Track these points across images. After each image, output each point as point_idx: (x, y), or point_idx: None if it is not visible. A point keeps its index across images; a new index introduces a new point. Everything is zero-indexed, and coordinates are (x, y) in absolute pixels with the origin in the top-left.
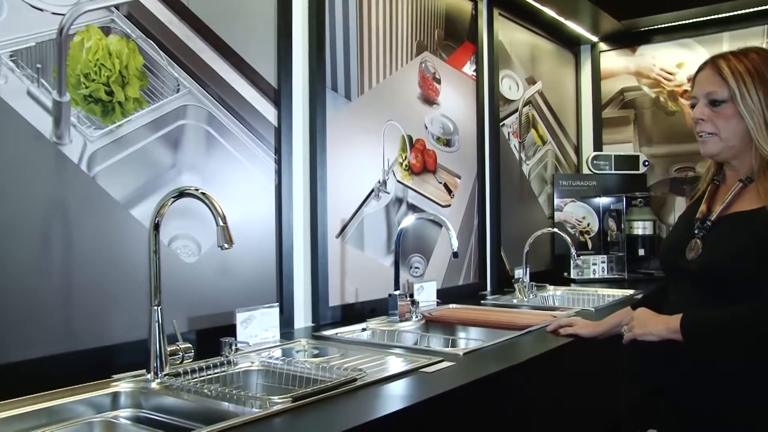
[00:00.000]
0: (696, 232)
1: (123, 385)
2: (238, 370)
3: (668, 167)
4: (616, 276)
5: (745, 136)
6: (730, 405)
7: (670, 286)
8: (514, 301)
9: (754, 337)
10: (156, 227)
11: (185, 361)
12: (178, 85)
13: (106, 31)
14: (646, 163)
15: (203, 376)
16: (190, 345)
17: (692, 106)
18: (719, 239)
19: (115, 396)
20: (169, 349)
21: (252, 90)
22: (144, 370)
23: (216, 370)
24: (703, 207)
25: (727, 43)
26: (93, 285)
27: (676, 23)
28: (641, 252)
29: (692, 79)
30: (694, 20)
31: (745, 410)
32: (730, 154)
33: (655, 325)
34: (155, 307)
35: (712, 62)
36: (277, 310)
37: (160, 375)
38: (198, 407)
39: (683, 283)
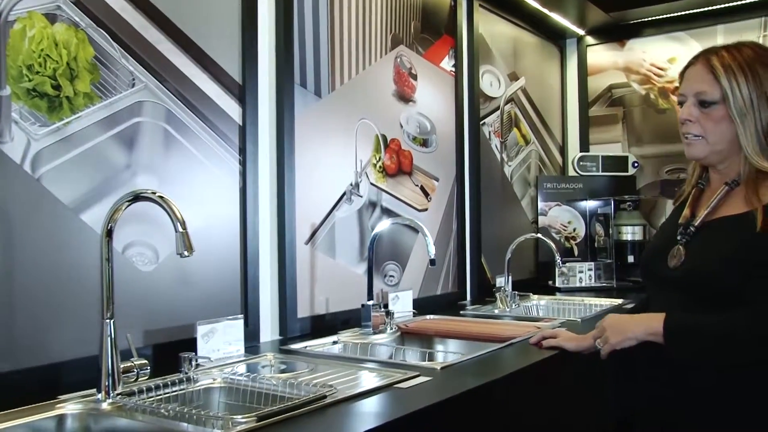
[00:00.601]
0: (679, 238)
1: (70, 406)
2: (198, 388)
3: (659, 168)
4: (604, 284)
5: (734, 141)
6: (704, 422)
7: (651, 296)
8: (496, 311)
9: (737, 344)
10: (109, 233)
11: (140, 379)
12: (133, 79)
13: (51, 18)
14: (636, 165)
15: (160, 395)
16: (146, 361)
17: (680, 104)
18: (704, 245)
19: (61, 419)
20: (122, 365)
21: (214, 85)
22: (94, 390)
23: (174, 388)
24: (686, 212)
25: (722, 36)
26: (38, 297)
27: (668, 15)
28: (630, 259)
29: (681, 75)
30: (687, 12)
31: (718, 428)
32: (716, 158)
33: (632, 327)
34: (107, 320)
35: (704, 58)
36: (241, 322)
37: (112, 394)
38: (154, 429)
39: (666, 292)
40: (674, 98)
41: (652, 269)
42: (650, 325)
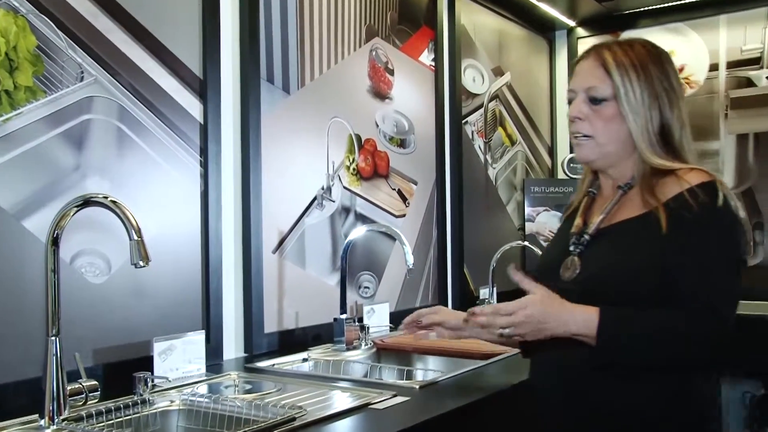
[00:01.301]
0: (572, 248)
1: None
2: (154, 411)
3: None
4: None
5: (625, 141)
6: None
7: None
8: None
9: (677, 343)
10: (55, 242)
11: (90, 402)
12: (82, 72)
13: None
14: None
15: (111, 420)
16: (96, 382)
17: (569, 101)
18: (602, 253)
19: None
20: (69, 388)
21: (172, 80)
22: (36, 415)
23: (128, 412)
24: (578, 221)
25: (725, 27)
26: None
27: (666, 5)
28: None
29: (572, 69)
30: (687, 1)
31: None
32: (607, 161)
33: (554, 327)
34: (53, 338)
35: (596, 52)
36: (202, 338)
37: (56, 420)
38: None
39: None
40: None
41: (546, 284)
42: (578, 325)
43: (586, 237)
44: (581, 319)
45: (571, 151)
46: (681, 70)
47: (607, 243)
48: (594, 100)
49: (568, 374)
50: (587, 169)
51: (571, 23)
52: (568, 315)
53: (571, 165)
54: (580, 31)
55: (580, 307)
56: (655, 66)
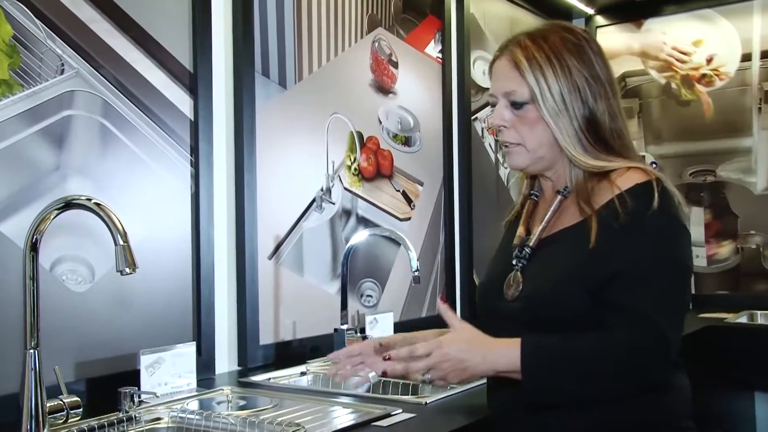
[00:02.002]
0: (514, 263)
1: None
2: (141, 429)
3: (681, 170)
4: None
5: (555, 144)
6: None
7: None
8: None
9: (610, 371)
10: (34, 247)
11: (71, 420)
12: (62, 64)
13: None
14: (654, 165)
15: None
16: (78, 399)
17: (491, 106)
18: (542, 267)
19: None
20: (49, 404)
21: (160, 73)
22: None
23: (112, 430)
24: (520, 230)
25: (759, 14)
26: None
27: None
28: None
29: (489, 71)
30: None
31: None
32: (540, 165)
33: (476, 367)
34: (31, 351)
35: (508, 50)
36: (193, 350)
37: None
38: None
39: (506, 330)
40: (701, 88)
41: (487, 305)
42: (500, 360)
43: (527, 250)
44: (503, 354)
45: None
46: (710, 60)
47: (547, 255)
48: (515, 105)
49: (526, 409)
50: (523, 173)
51: (590, 11)
52: (489, 351)
53: None
54: (600, 20)
55: (502, 341)
56: (572, 55)
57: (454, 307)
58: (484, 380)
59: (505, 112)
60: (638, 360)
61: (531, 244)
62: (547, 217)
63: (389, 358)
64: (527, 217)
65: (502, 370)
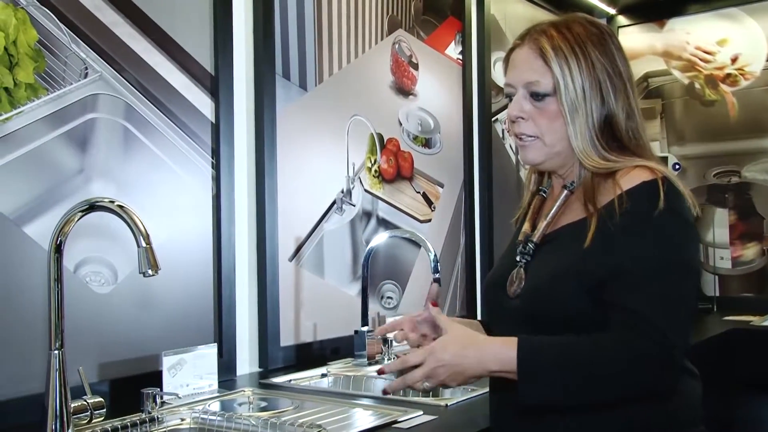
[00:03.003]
0: (518, 259)
1: None
2: (163, 430)
3: (705, 171)
4: None
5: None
6: None
7: (495, 335)
8: None
9: (608, 374)
10: (58, 249)
11: (95, 420)
12: (86, 68)
13: None
14: (677, 167)
15: None
16: (101, 399)
17: (508, 97)
18: (543, 263)
19: None
20: (73, 405)
21: (182, 76)
22: None
23: (135, 431)
24: (526, 226)
25: None
26: None
27: None
28: None
29: (506, 60)
30: None
31: None
32: (556, 162)
33: (472, 367)
34: (56, 351)
35: (532, 39)
36: (214, 351)
37: None
38: None
39: (507, 327)
40: (725, 88)
41: (493, 302)
42: (494, 361)
43: (530, 245)
44: (496, 354)
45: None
46: (735, 60)
47: (549, 251)
48: (536, 96)
49: (521, 414)
50: (531, 168)
51: (612, 11)
52: (483, 352)
53: None
54: (622, 20)
55: (496, 340)
56: (596, 47)
57: (474, 310)
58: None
59: (524, 103)
60: (637, 365)
61: (534, 239)
62: (552, 212)
63: (382, 372)
64: (534, 214)
65: (496, 370)
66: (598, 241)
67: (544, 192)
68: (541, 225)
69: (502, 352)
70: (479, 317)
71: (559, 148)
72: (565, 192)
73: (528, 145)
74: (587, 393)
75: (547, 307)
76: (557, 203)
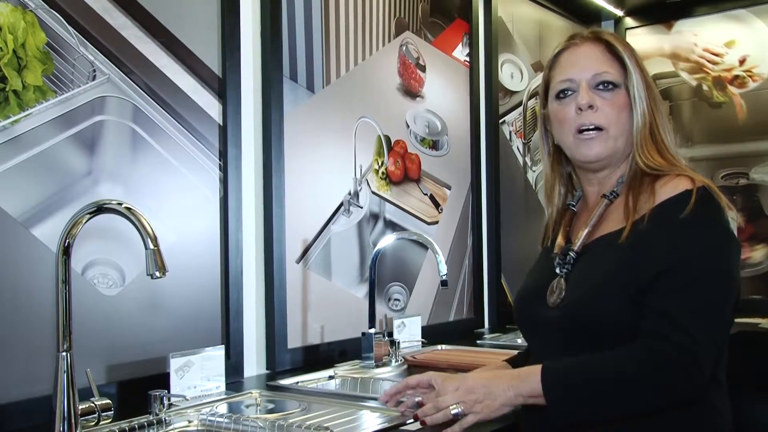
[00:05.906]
0: (557, 270)
1: None
2: None
3: (713, 173)
4: None
5: (630, 137)
6: None
7: (532, 349)
8: (518, 341)
9: (626, 391)
10: (66, 251)
11: (102, 422)
12: (94, 70)
13: None
14: None
15: None
16: (109, 401)
17: (559, 95)
18: (584, 273)
19: None
20: (80, 406)
21: (190, 78)
22: None
23: None
24: (560, 240)
25: None
26: None
27: None
28: None
29: (552, 62)
30: None
31: None
32: (613, 159)
33: (502, 392)
34: (63, 353)
35: (594, 38)
36: (222, 353)
37: None
38: None
39: (545, 337)
40: (733, 89)
41: (527, 312)
42: (522, 384)
43: (572, 255)
44: (524, 380)
45: None
46: (743, 61)
47: (589, 261)
48: (606, 86)
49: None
50: (552, 180)
51: (619, 13)
52: (512, 379)
53: None
54: (629, 22)
55: (523, 370)
56: (639, 58)
57: (481, 312)
58: None
59: (593, 95)
60: (662, 377)
61: (576, 248)
62: (592, 221)
63: (421, 404)
64: (566, 228)
65: (527, 394)
66: (640, 248)
67: (573, 206)
68: (581, 234)
69: (529, 380)
70: (486, 320)
71: (621, 143)
72: (605, 201)
73: (593, 137)
74: (614, 407)
75: (590, 315)
76: (597, 213)
